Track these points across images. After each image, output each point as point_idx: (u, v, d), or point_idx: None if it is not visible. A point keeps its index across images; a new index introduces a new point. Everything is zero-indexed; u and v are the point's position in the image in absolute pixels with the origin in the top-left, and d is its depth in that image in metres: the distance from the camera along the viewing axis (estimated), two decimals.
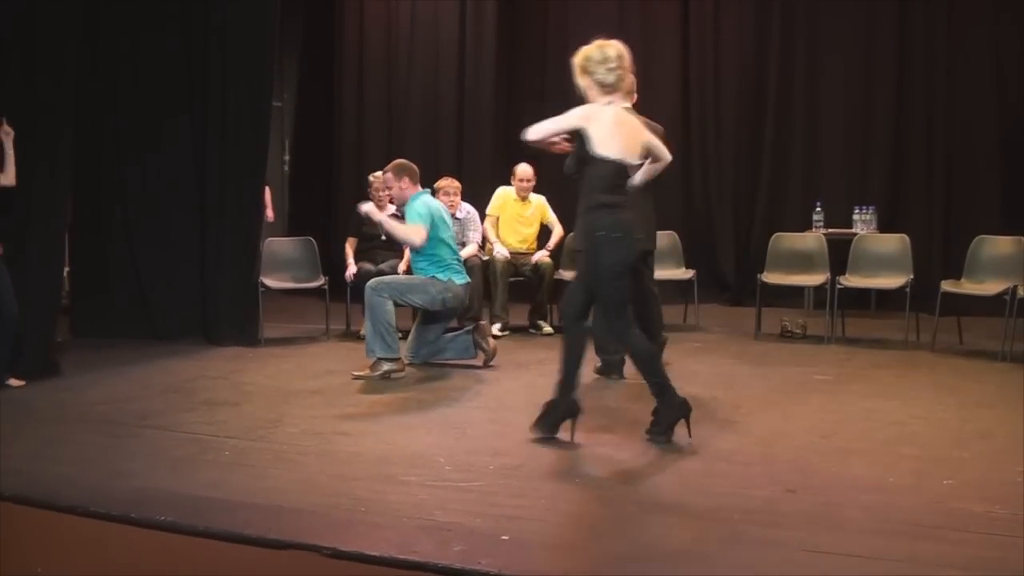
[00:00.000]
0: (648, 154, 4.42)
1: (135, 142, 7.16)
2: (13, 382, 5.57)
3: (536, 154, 5.74)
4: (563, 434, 4.33)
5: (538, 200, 7.88)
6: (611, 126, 4.18)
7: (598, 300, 4.30)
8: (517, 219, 7.79)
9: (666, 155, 4.50)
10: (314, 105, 10.55)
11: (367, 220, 6.98)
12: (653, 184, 6.60)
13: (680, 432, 4.27)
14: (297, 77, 10.72)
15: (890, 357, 6.41)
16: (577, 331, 4.35)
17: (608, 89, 4.22)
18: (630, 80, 6.33)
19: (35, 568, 3.19)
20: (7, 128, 5.52)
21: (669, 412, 4.23)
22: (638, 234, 4.34)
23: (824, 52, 8.98)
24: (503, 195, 7.84)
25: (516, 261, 7.62)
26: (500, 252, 7.52)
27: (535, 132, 4.27)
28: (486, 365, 6.07)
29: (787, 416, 4.80)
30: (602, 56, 4.22)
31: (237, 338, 6.86)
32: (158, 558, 3.21)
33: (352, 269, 7.22)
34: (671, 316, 7.86)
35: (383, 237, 7.34)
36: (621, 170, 4.24)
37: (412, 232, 5.90)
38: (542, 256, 7.64)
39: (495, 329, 7.27)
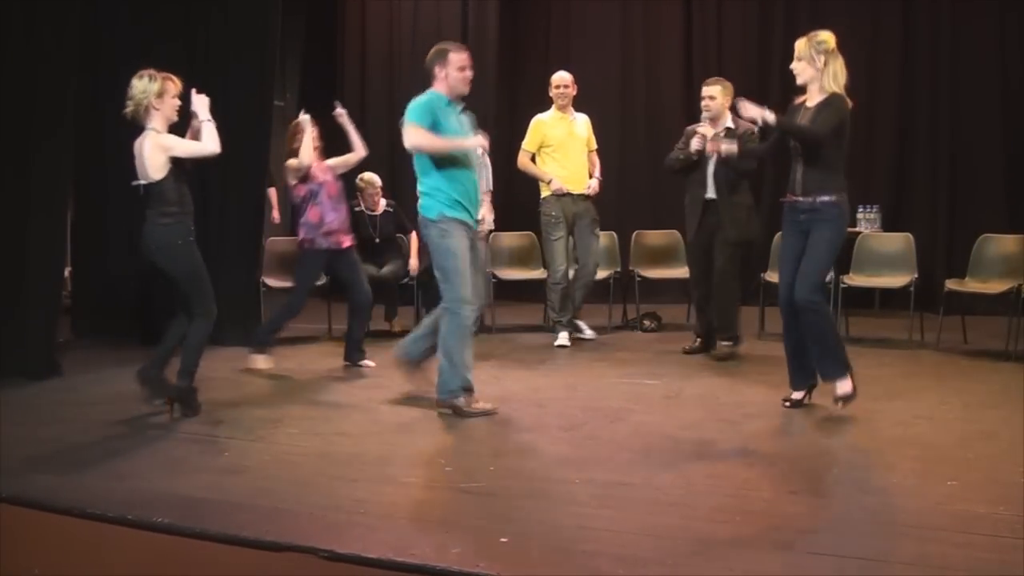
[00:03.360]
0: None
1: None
2: (367, 363, 6.02)
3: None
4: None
5: (583, 118, 7.11)
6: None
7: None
8: (570, 138, 6.92)
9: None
10: (314, 105, 10.50)
11: (361, 220, 7.02)
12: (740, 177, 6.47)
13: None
14: (297, 77, 10.70)
15: (894, 357, 6.38)
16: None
17: None
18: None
19: (33, 569, 3.17)
20: (341, 109, 5.97)
21: None
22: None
23: None
24: (539, 120, 7.03)
25: (573, 210, 6.86)
26: (556, 185, 6.79)
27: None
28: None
29: (789, 416, 4.77)
30: None
31: (238, 338, 6.84)
32: (155, 560, 3.19)
33: None
34: (674, 315, 7.87)
35: (376, 240, 7.33)
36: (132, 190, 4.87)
37: (411, 135, 4.55)
38: (593, 188, 6.92)
39: (562, 338, 6.87)
